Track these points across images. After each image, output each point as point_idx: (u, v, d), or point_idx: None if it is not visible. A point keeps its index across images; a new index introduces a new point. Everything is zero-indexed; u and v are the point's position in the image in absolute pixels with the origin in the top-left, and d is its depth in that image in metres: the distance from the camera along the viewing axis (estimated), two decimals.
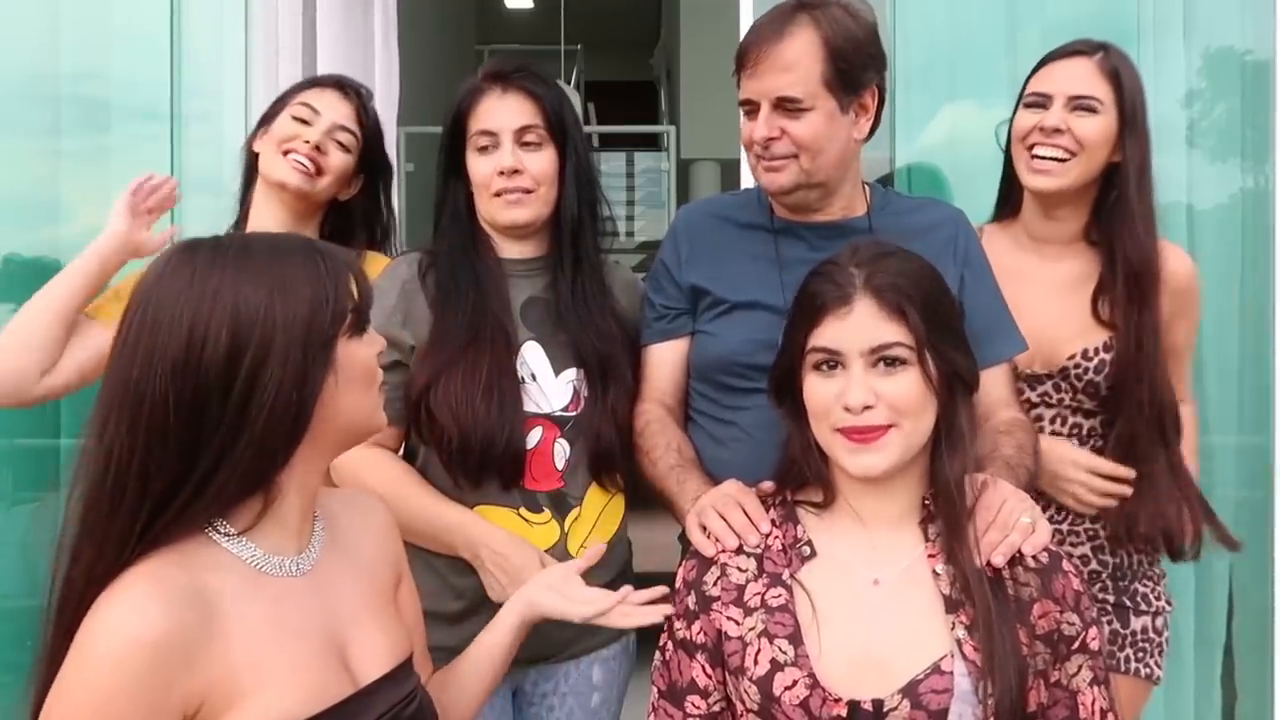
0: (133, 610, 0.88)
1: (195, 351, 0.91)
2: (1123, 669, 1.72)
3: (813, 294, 1.18)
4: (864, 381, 1.13)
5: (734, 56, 1.52)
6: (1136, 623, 1.73)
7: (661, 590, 1.26)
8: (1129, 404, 1.67)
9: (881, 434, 1.13)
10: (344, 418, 1.00)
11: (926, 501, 1.19)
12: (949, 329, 1.18)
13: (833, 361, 1.16)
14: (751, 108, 1.50)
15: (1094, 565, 1.72)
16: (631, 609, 1.25)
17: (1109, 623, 1.73)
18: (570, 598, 1.26)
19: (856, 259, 1.18)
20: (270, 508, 0.98)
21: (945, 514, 1.17)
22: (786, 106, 1.46)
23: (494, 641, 1.25)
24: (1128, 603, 1.73)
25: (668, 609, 1.23)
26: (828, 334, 1.16)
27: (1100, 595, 1.73)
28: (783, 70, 1.45)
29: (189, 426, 0.91)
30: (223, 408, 0.91)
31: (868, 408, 1.13)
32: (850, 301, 1.15)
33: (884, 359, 1.14)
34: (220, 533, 0.96)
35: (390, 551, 1.17)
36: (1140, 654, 1.73)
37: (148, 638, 0.86)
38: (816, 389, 1.17)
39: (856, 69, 1.48)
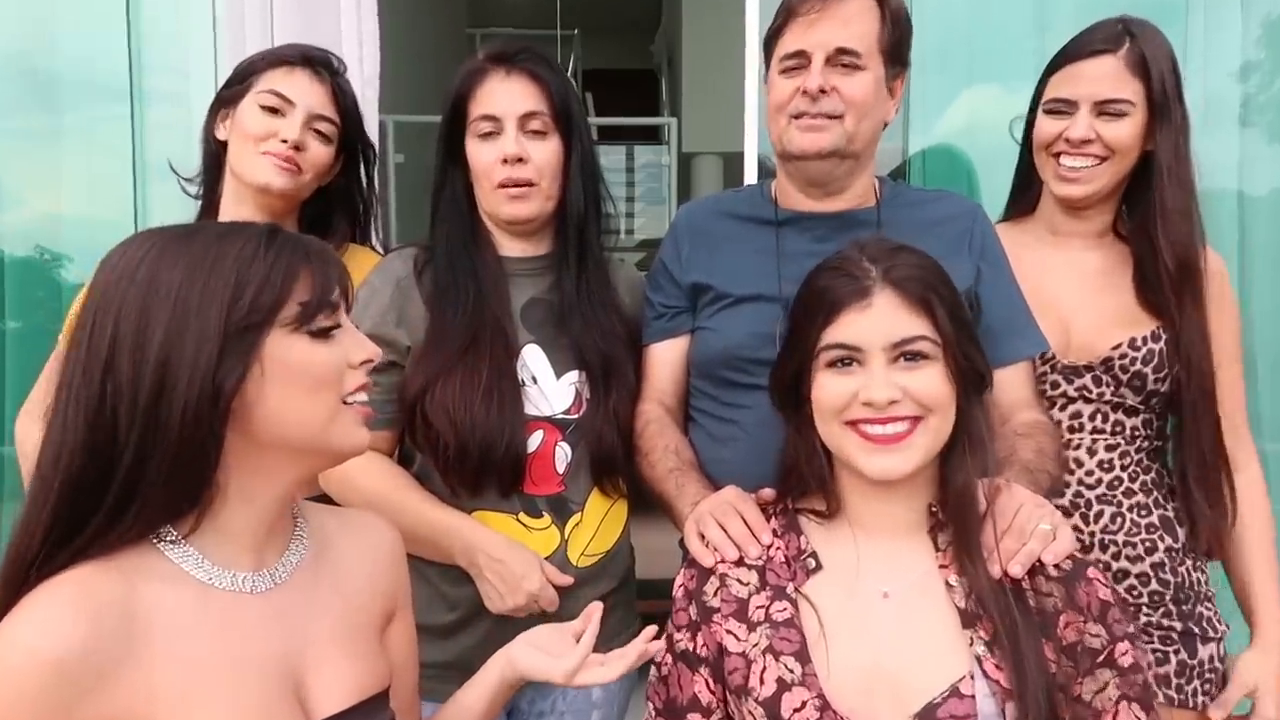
0: (42, 623, 0.83)
1: (107, 331, 0.88)
2: (1190, 704, 1.56)
3: (824, 289, 1.14)
4: (886, 377, 1.10)
5: (781, 11, 1.48)
6: (1204, 651, 1.58)
7: (651, 630, 1.18)
8: (1196, 406, 1.57)
9: (908, 433, 1.09)
10: (275, 419, 0.92)
11: (934, 509, 1.15)
12: (967, 325, 1.15)
13: (849, 358, 1.12)
14: (800, 61, 1.45)
15: (1154, 585, 1.57)
16: (618, 654, 1.15)
17: (1176, 653, 1.57)
18: (555, 655, 1.15)
19: (868, 253, 1.14)
20: (207, 514, 0.91)
21: (956, 522, 1.12)
22: (842, 61, 1.44)
23: (472, 700, 1.15)
24: (1195, 629, 1.58)
25: (658, 645, 1.16)
26: (845, 329, 1.12)
27: (1165, 623, 1.58)
28: (844, 23, 1.44)
29: (103, 411, 0.87)
30: (136, 393, 0.87)
31: (893, 403, 1.09)
32: (870, 295, 1.11)
33: (906, 354, 1.10)
34: (167, 541, 0.91)
35: (387, 582, 1.10)
36: (1207, 685, 1.57)
37: (51, 655, 0.81)
38: (829, 387, 1.13)
39: (903, 42, 1.49)
